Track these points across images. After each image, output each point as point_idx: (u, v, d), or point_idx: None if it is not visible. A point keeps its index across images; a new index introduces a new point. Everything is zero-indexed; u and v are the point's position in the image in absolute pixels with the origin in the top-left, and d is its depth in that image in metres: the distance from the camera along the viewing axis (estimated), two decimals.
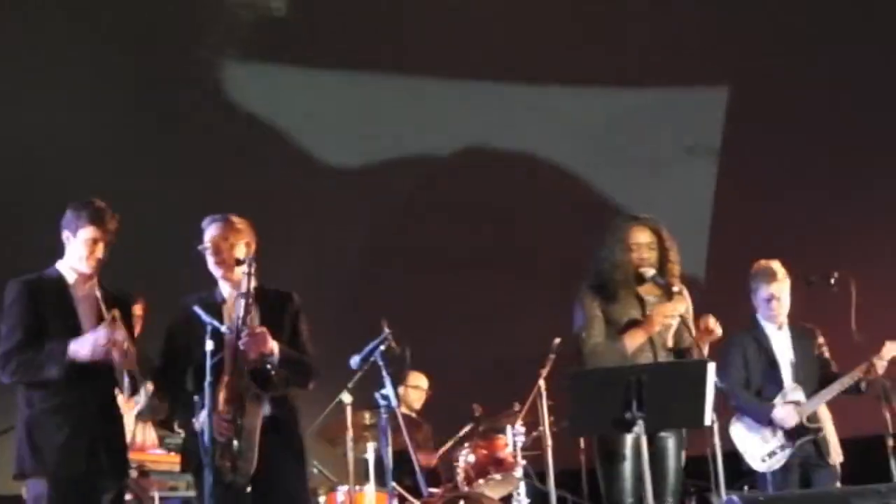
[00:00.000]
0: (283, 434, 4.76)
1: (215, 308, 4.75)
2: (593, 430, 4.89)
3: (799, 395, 6.20)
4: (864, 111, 9.45)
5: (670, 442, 5.08)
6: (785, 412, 6.14)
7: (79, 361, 4.58)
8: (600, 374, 4.82)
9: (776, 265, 6.31)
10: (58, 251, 4.86)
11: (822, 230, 8.83)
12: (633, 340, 5.11)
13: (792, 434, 6.14)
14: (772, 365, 6.27)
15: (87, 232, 4.76)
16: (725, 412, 6.16)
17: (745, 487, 6.89)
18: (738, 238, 9.38)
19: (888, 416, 5.99)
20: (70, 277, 4.80)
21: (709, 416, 4.73)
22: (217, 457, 4.48)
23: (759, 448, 6.19)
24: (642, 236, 5.24)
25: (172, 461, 6.08)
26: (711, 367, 4.69)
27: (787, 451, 6.14)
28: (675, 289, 5.12)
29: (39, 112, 8.26)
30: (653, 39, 9.54)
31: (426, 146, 9.64)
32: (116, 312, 4.67)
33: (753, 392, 6.28)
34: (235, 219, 4.91)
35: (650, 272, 5.18)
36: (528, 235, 9.25)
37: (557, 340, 6.85)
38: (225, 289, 4.87)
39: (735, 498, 3.77)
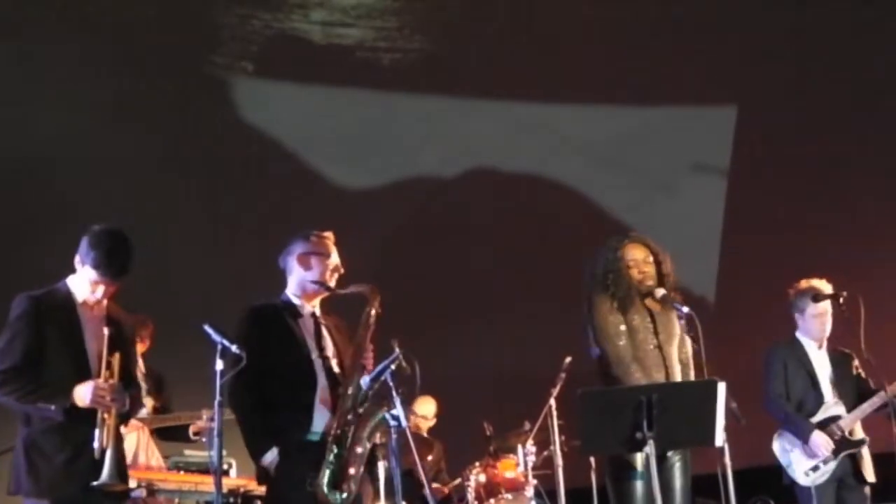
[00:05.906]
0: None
1: (294, 314, 4.92)
2: (605, 449, 4.90)
3: (840, 409, 6.20)
4: (875, 130, 9.47)
5: (677, 462, 5.07)
6: (822, 440, 6.11)
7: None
8: (611, 394, 4.83)
9: (826, 283, 6.30)
10: (68, 266, 4.76)
11: (832, 250, 8.83)
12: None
13: (836, 447, 6.12)
14: (812, 381, 6.26)
15: (91, 274, 4.64)
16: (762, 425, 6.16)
17: None
18: (747, 258, 9.39)
19: None
20: (80, 296, 4.68)
21: (720, 436, 4.73)
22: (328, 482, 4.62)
23: (803, 462, 6.16)
24: (638, 253, 5.28)
25: (181, 480, 6.09)
26: (722, 387, 4.69)
27: (831, 466, 6.12)
28: (685, 310, 5.12)
29: (55, 128, 8.29)
30: (661, 59, 9.57)
31: (435, 166, 9.67)
32: (116, 358, 4.59)
33: (794, 406, 6.26)
34: None
35: (660, 292, 5.19)
36: (536, 255, 9.26)
37: (568, 360, 6.87)
38: (300, 301, 4.99)
39: None
